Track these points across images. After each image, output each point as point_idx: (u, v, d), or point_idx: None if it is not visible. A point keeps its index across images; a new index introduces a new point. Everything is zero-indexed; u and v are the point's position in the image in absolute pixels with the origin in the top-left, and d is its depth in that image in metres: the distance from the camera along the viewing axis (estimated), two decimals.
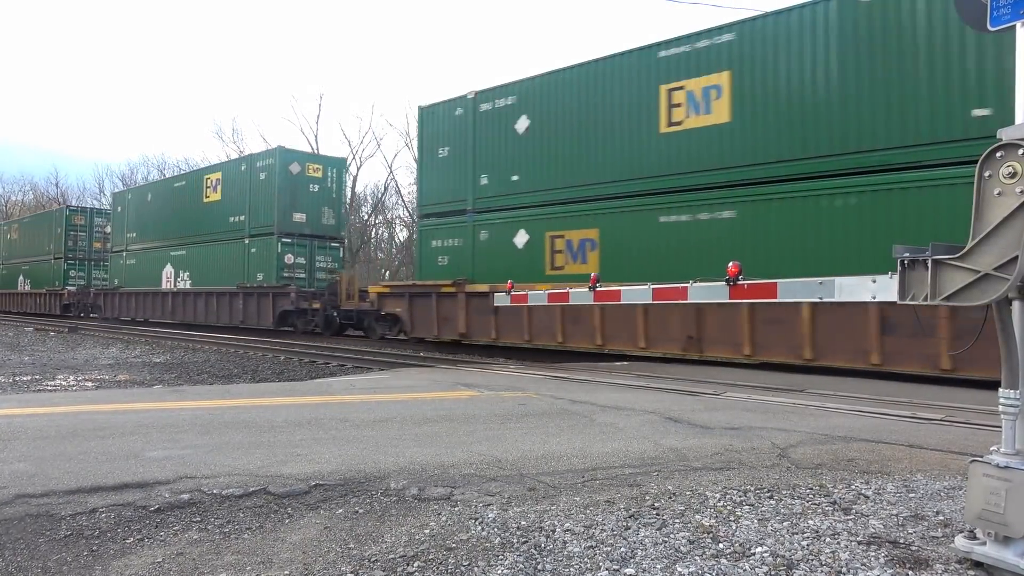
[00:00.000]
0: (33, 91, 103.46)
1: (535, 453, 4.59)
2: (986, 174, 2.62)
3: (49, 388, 11.39)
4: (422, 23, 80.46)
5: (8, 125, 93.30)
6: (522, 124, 14.83)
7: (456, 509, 3.42)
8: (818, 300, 3.86)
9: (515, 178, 14.88)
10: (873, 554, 2.87)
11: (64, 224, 37.58)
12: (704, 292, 5.48)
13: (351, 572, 2.70)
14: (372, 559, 2.82)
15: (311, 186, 23.31)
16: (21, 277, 42.01)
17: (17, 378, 12.61)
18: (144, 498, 3.45)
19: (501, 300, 9.14)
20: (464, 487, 3.77)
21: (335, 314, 21.09)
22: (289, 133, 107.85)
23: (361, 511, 3.40)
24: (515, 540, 3.02)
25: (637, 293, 6.05)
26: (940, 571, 2.71)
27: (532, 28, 77.23)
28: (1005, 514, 2.58)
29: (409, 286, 17.31)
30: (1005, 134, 2.63)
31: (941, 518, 3.34)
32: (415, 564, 2.77)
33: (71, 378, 12.85)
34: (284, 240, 22.53)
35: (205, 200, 25.76)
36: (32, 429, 5.18)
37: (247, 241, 23.53)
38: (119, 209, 32.07)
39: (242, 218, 23.81)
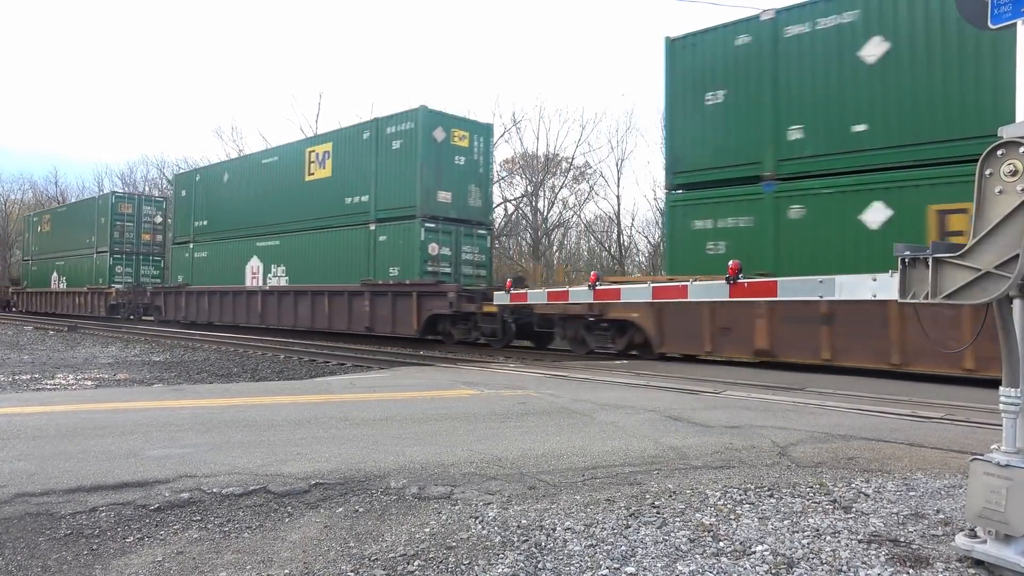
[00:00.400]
0: (32, 90, 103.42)
1: (535, 452, 4.59)
2: (987, 172, 2.62)
3: (49, 387, 11.39)
4: (421, 22, 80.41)
5: (8, 124, 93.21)
6: (873, 49, 10.59)
7: (456, 508, 3.42)
8: (818, 299, 3.86)
9: (859, 128, 10.73)
10: (874, 552, 2.87)
11: (109, 213, 32.53)
12: (704, 291, 5.50)
13: (351, 571, 2.70)
14: (372, 558, 2.82)
15: (456, 158, 18.34)
16: (55, 274, 36.98)
17: (17, 377, 12.61)
18: (144, 497, 3.45)
19: (501, 299, 9.13)
20: (464, 486, 3.76)
21: (510, 320, 15.78)
22: (289, 132, 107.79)
23: (361, 510, 3.40)
24: (516, 539, 3.01)
25: (637, 291, 6.06)
26: (941, 569, 2.71)
27: (532, 27, 77.19)
28: (1006, 512, 2.57)
29: (667, 282, 10.58)
30: (1006, 132, 2.63)
31: (941, 516, 3.34)
32: (415, 563, 2.77)
33: (71, 377, 12.85)
34: (428, 225, 17.60)
35: (308, 178, 20.79)
36: (32, 428, 5.18)
37: (373, 227, 18.62)
38: (183, 193, 27.07)
39: (365, 199, 18.87)
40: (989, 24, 2.93)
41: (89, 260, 33.53)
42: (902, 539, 3.03)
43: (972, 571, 2.70)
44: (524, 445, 4.81)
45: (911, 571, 2.70)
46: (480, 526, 3.17)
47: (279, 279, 21.82)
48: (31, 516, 3.19)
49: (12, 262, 65.79)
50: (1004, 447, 2.69)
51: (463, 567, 2.73)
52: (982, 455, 2.73)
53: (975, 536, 2.74)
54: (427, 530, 3.13)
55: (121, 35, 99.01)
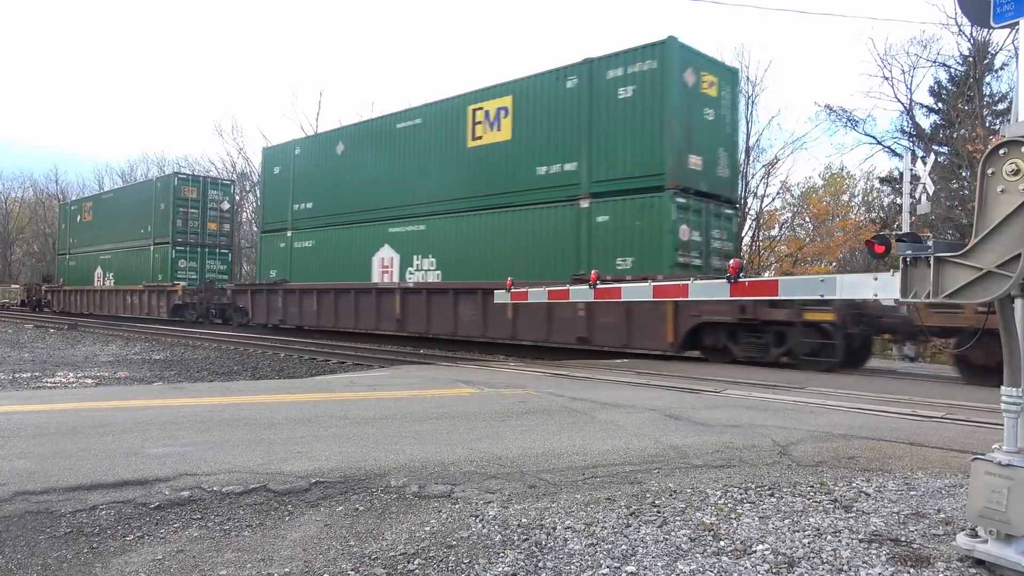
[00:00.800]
0: (32, 89, 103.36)
1: (535, 450, 4.59)
2: (989, 171, 2.61)
3: (49, 385, 11.39)
4: (421, 22, 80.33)
5: (7, 123, 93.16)
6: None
7: (457, 506, 3.42)
8: (819, 297, 3.86)
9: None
10: (874, 552, 2.87)
11: (171, 198, 27.56)
12: (705, 289, 5.49)
13: (352, 570, 2.70)
14: (373, 556, 2.82)
15: (705, 111, 13.57)
16: (99, 270, 32.13)
17: (17, 375, 12.61)
18: (144, 495, 3.45)
19: (501, 298, 9.14)
20: (465, 484, 3.76)
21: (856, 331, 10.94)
22: (289, 130, 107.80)
23: (361, 508, 3.40)
24: (516, 538, 3.01)
25: (638, 291, 6.06)
26: (942, 569, 2.71)
27: (530, 26, 77.08)
28: (1007, 512, 2.57)
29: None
30: (1008, 131, 2.62)
31: (942, 516, 3.34)
32: (416, 561, 2.77)
33: (71, 375, 12.85)
34: (679, 200, 12.90)
35: (471, 144, 15.93)
36: (32, 426, 5.17)
37: (586, 204, 13.90)
38: (275, 171, 22.06)
39: (571, 167, 14.07)
40: (992, 23, 2.92)
41: (144, 253, 28.68)
42: (903, 538, 3.03)
43: (973, 571, 2.69)
44: (524, 444, 4.81)
45: (912, 570, 2.69)
46: (480, 525, 3.16)
47: (425, 274, 16.86)
48: (31, 514, 3.19)
49: (12, 260, 65.80)
50: (1005, 447, 2.69)
51: (463, 566, 2.73)
52: (983, 455, 2.72)
53: (976, 536, 2.73)
54: (427, 529, 3.12)
55: (122, 33, 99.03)
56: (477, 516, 3.27)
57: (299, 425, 5.42)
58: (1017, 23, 2.86)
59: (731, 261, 4.53)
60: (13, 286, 47.65)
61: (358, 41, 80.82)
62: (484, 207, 15.74)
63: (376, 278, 18.20)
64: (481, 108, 15.96)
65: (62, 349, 18.76)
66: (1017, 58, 2.90)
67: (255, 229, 35.36)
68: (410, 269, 17.29)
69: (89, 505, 3.31)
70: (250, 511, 3.33)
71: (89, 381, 12.06)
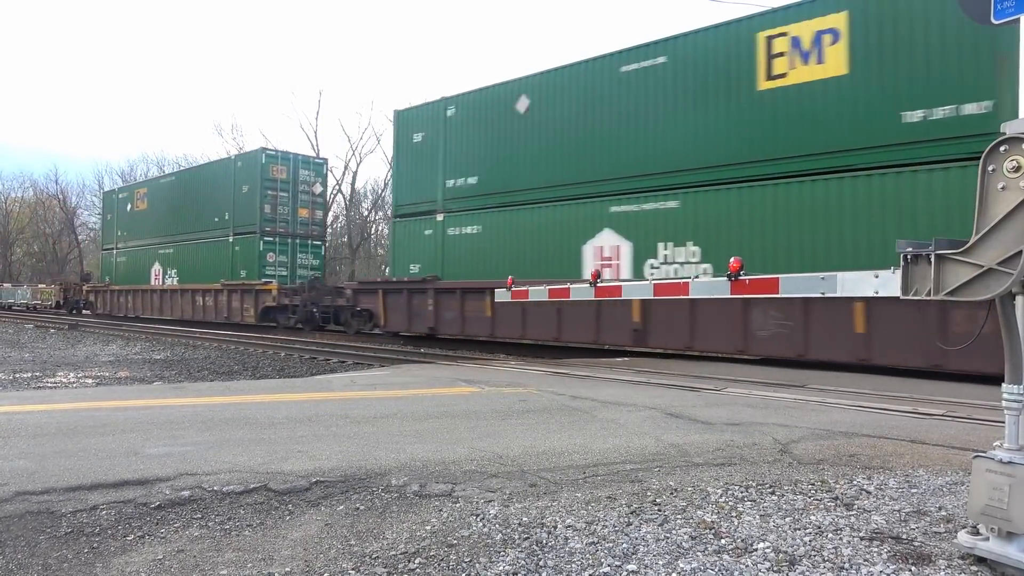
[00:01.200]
0: (32, 89, 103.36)
1: (536, 449, 4.59)
2: (990, 168, 2.61)
3: (49, 385, 11.39)
4: (421, 20, 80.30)
5: (7, 122, 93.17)
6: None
7: (457, 506, 3.41)
8: (820, 295, 3.85)
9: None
10: (876, 550, 2.86)
11: (259, 178, 22.58)
12: (705, 287, 5.46)
13: (352, 569, 2.70)
14: (373, 556, 2.82)
15: None
16: (156, 267, 27.37)
17: (17, 375, 12.61)
18: (145, 495, 3.45)
19: (502, 296, 9.13)
20: (465, 483, 3.76)
21: None
22: (289, 129, 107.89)
23: (362, 508, 3.40)
24: (517, 536, 3.01)
25: (638, 289, 6.04)
26: (943, 567, 2.70)
27: (530, 25, 77.03)
28: (1009, 510, 2.57)
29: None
30: (1009, 128, 2.62)
31: (944, 514, 3.33)
32: (416, 561, 2.76)
33: (71, 375, 12.85)
34: None
35: (766, 84, 11.41)
36: (32, 426, 5.17)
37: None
38: (416, 139, 17.03)
39: (972, 108, 9.41)
40: (992, 20, 2.92)
41: (221, 246, 23.90)
42: (904, 536, 3.02)
43: (974, 568, 2.69)
44: (525, 442, 4.80)
45: (913, 568, 2.69)
46: (481, 524, 3.16)
47: (678, 268, 12.35)
48: (32, 514, 3.18)
49: (12, 260, 65.80)
50: (1007, 444, 2.69)
51: (464, 565, 2.73)
52: (984, 452, 2.72)
53: (977, 533, 2.73)
54: (428, 528, 3.12)
55: (121, 32, 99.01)
56: (478, 515, 3.27)
57: (300, 424, 5.42)
58: (1017, 19, 2.85)
59: (732, 260, 4.51)
60: (42, 286, 42.52)
61: (358, 40, 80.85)
62: (788, 174, 11.20)
63: (596, 271, 12.30)
64: (784, 34, 11.28)
65: (62, 349, 18.77)
66: (1018, 55, 2.89)
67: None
68: (652, 261, 12.80)
69: (89, 505, 3.31)
70: (251, 511, 3.32)
71: (89, 381, 12.07)
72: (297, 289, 21.73)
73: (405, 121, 17.70)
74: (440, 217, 16.50)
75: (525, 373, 9.96)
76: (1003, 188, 2.57)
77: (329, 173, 26.37)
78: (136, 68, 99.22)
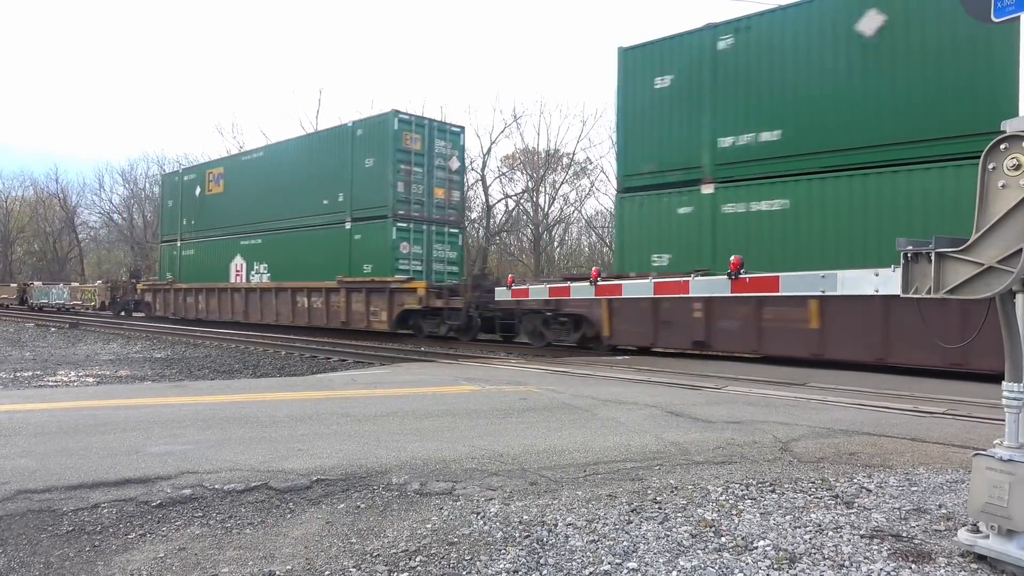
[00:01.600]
0: (32, 88, 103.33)
1: (537, 447, 4.59)
2: (990, 166, 2.61)
3: (50, 384, 11.40)
4: (421, 19, 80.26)
5: (8, 122, 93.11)
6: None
7: (458, 504, 3.42)
8: (820, 293, 3.86)
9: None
10: (876, 547, 2.87)
11: (390, 149, 17.96)
12: (705, 286, 5.48)
13: (353, 567, 2.70)
14: (374, 554, 2.82)
15: None
16: (238, 260, 22.69)
17: (18, 374, 12.62)
18: (146, 493, 3.45)
19: (502, 295, 9.14)
20: (466, 482, 3.76)
21: None
22: (289, 129, 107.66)
23: (363, 506, 3.40)
24: (517, 534, 3.01)
25: (638, 287, 6.05)
26: (943, 564, 2.71)
27: (533, 24, 76.98)
28: (1008, 507, 2.57)
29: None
30: (1009, 126, 2.62)
31: (944, 511, 3.34)
32: (417, 559, 2.77)
33: (72, 374, 12.86)
34: None
35: None
36: (33, 425, 5.18)
37: None
38: (658, 83, 12.95)
39: None
40: (992, 18, 2.92)
41: (334, 235, 19.33)
42: (904, 534, 3.03)
43: (974, 566, 2.69)
44: (526, 441, 4.81)
45: (913, 566, 2.69)
46: (482, 522, 3.17)
47: None
48: (33, 513, 3.19)
49: (13, 259, 65.82)
50: (1007, 442, 2.69)
51: (465, 563, 2.73)
52: (984, 450, 2.72)
53: (977, 531, 2.73)
54: (429, 526, 3.12)
55: (121, 32, 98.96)
56: (479, 513, 3.27)
57: (300, 423, 5.42)
58: (1018, 17, 2.85)
59: (732, 258, 4.52)
60: (86, 284, 38.73)
61: (358, 39, 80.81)
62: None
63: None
64: None
65: (63, 348, 18.78)
66: (1018, 53, 2.89)
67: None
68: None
69: (91, 503, 3.31)
70: (252, 509, 3.33)
71: (90, 380, 12.07)
72: (457, 288, 17.06)
73: (638, 61, 13.22)
74: (708, 189, 12.24)
75: (526, 371, 9.97)
76: (1003, 186, 2.57)
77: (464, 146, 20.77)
78: (136, 68, 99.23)
